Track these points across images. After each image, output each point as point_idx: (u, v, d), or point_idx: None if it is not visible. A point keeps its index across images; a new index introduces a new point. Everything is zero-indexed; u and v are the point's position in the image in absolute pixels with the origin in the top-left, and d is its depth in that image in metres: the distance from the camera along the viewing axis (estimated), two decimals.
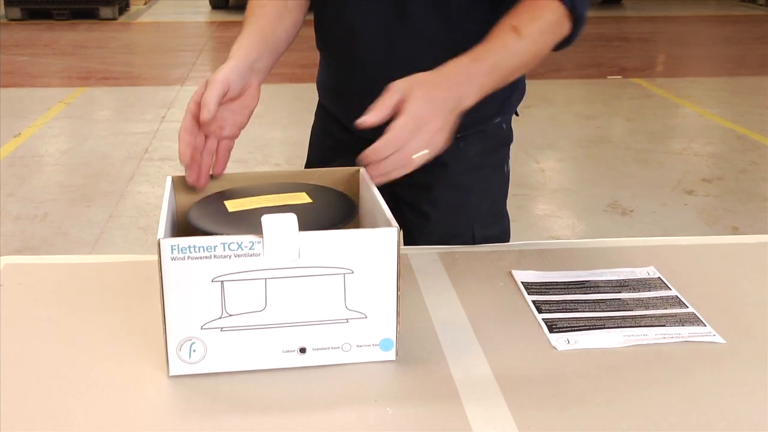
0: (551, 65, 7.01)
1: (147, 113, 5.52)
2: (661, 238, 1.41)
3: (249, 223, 0.98)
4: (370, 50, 1.31)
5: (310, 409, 0.90)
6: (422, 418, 0.88)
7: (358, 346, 0.97)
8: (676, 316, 1.10)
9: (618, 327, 1.07)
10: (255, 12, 1.27)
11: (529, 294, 1.16)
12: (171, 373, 0.94)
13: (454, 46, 1.27)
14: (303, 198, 1.10)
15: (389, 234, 0.93)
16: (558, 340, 1.04)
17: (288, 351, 0.96)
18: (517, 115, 1.48)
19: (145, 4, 10.49)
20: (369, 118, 1.02)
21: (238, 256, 0.90)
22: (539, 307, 1.12)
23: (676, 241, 1.39)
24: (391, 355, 0.98)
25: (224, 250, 0.90)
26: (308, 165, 1.54)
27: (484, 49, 1.09)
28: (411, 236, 1.44)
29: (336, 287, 0.93)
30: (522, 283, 1.19)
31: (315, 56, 1.42)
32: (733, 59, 7.59)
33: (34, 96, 6.04)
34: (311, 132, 1.55)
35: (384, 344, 0.98)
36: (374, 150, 1.02)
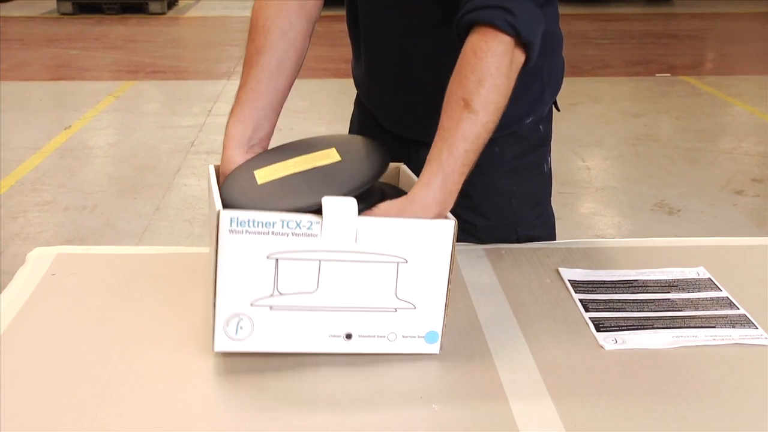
0: (598, 62, 6.93)
1: (194, 107, 5.57)
2: (711, 239, 1.39)
3: (280, 195, 0.98)
4: (397, 50, 1.30)
5: (355, 407, 0.90)
6: (468, 416, 0.88)
7: (403, 336, 0.97)
8: (726, 317, 1.08)
9: (667, 327, 1.05)
10: (254, 64, 1.21)
11: (576, 292, 1.15)
12: (216, 349, 0.94)
13: None
14: (332, 156, 1.07)
15: (446, 226, 0.93)
16: (605, 339, 1.03)
17: (334, 336, 0.95)
18: (558, 110, 1.46)
19: None
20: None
21: (296, 234, 0.90)
22: (586, 305, 1.11)
23: (726, 242, 1.36)
24: (435, 348, 0.98)
25: (282, 227, 0.90)
26: None
27: (450, 157, 1.01)
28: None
29: (389, 275, 0.93)
30: (569, 281, 1.18)
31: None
32: None
33: (85, 89, 6.13)
34: (350, 123, 1.54)
35: (429, 337, 0.97)
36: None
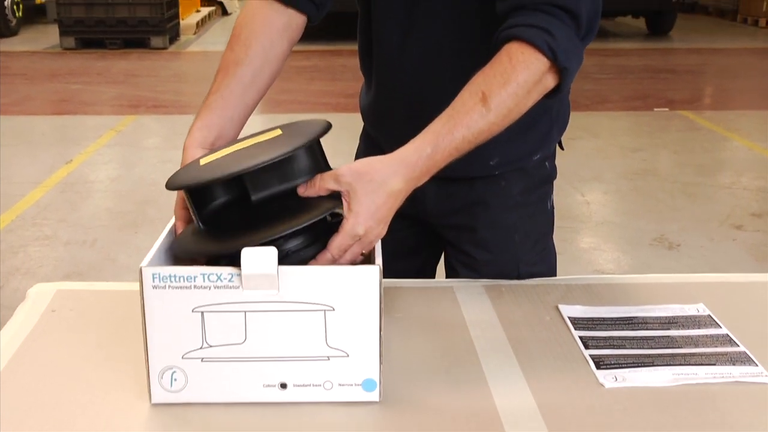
0: (596, 97, 6.97)
1: None
2: (710, 275, 1.39)
3: (220, 167, 0.99)
4: (414, 77, 1.31)
5: None
6: None
7: (340, 384, 0.96)
8: (726, 355, 1.08)
9: (667, 365, 1.05)
10: (229, 74, 1.25)
11: (575, 329, 1.15)
12: (153, 401, 0.95)
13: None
14: (275, 133, 1.08)
15: (371, 272, 0.92)
16: (605, 376, 1.03)
17: (269, 385, 0.95)
18: (562, 149, 1.47)
19: (195, 33, 10.68)
20: (304, 191, 1.02)
21: (218, 287, 0.91)
22: (586, 342, 1.11)
23: (726, 278, 1.37)
24: (374, 396, 0.97)
25: (204, 280, 0.90)
26: None
27: (446, 132, 1.04)
28: (456, 277, 1.42)
29: (316, 323, 0.93)
30: (569, 318, 1.19)
31: (359, 86, 1.42)
32: None
33: (86, 123, 6.16)
34: (355, 156, 1.55)
35: (366, 384, 0.96)
36: (335, 248, 0.98)
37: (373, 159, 1.03)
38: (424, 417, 0.95)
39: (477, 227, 1.40)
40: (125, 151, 5.47)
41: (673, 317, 1.19)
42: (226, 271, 0.90)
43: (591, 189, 4.64)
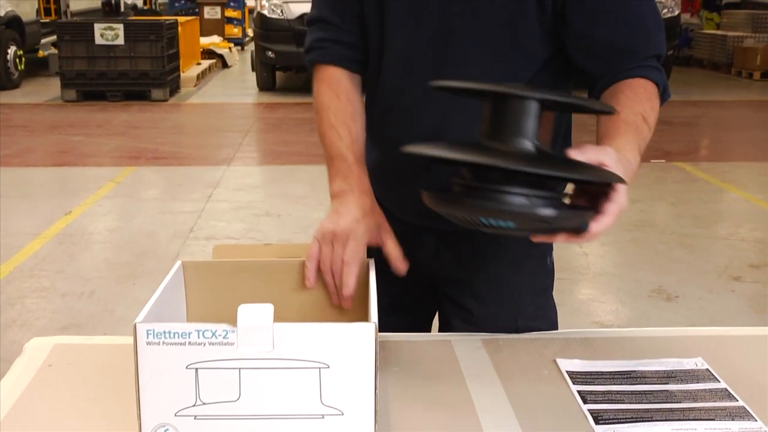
0: None
1: (194, 192, 5.62)
2: (709, 328, 1.39)
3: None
4: (432, 126, 1.33)
5: None
6: None
7: None
8: (725, 409, 1.08)
9: (666, 420, 1.05)
10: (351, 129, 1.32)
11: (574, 383, 1.15)
12: None
13: None
14: None
15: (366, 330, 0.92)
16: None
17: None
18: None
19: (195, 86, 10.79)
20: (575, 154, 0.99)
21: (213, 344, 0.90)
22: (584, 397, 1.11)
23: (725, 332, 1.36)
24: None
25: (198, 337, 0.90)
26: None
27: (640, 143, 1.15)
28: (453, 331, 1.42)
29: (311, 381, 0.92)
30: (567, 372, 1.18)
31: None
32: None
33: (86, 175, 6.19)
34: None
35: None
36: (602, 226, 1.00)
37: (619, 156, 1.06)
38: None
39: (475, 282, 1.40)
40: (124, 202, 5.49)
41: (672, 371, 1.19)
42: (221, 327, 0.90)
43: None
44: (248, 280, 1.17)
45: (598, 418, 1.06)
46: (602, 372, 1.18)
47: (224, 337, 0.90)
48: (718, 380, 1.16)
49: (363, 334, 0.92)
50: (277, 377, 0.92)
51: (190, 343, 0.90)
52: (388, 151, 1.41)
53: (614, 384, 1.15)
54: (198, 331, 0.90)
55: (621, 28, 1.24)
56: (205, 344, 0.90)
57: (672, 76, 10.67)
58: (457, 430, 1.02)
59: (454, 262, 1.41)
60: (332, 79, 1.36)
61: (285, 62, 9.99)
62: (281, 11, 9.77)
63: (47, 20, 12.16)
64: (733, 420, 1.05)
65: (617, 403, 1.09)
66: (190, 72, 11.07)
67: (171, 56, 9.84)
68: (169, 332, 0.90)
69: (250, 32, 14.97)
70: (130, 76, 9.43)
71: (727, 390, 1.13)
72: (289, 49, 9.29)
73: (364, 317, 1.00)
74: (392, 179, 1.42)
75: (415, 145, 1.01)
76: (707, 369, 1.19)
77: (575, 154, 0.99)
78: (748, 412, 1.07)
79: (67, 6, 12.93)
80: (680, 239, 4.73)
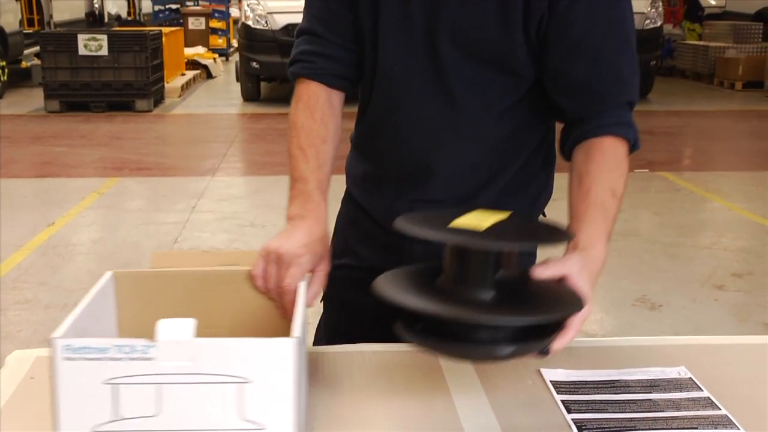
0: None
1: (178, 203, 5.60)
2: (692, 337, 1.39)
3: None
4: (421, 142, 1.34)
5: None
6: None
7: None
8: (708, 418, 1.08)
9: (649, 429, 1.05)
10: (320, 151, 1.32)
11: (558, 393, 1.15)
12: None
13: (499, 146, 1.31)
14: (506, 214, 1.10)
15: (287, 345, 0.91)
16: None
17: None
18: (544, 215, 1.49)
19: (180, 96, 10.77)
20: (542, 272, 1.07)
21: (132, 359, 0.89)
22: (568, 407, 1.11)
23: (707, 340, 1.37)
24: None
25: (117, 352, 0.89)
26: (331, 253, 1.55)
27: (608, 229, 1.20)
28: None
29: (232, 396, 0.91)
30: (551, 381, 1.18)
31: (343, 148, 1.44)
32: (762, 153, 7.60)
33: (70, 186, 6.17)
34: (336, 219, 1.56)
35: None
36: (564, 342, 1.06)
37: (582, 257, 1.12)
38: None
39: None
40: (108, 213, 5.47)
41: (655, 380, 1.19)
42: (140, 342, 0.89)
43: None
44: (182, 290, 1.16)
45: (582, 427, 1.06)
46: (586, 381, 1.19)
47: (143, 353, 0.89)
48: (701, 389, 1.17)
49: (284, 349, 0.91)
50: (197, 392, 0.91)
51: (108, 358, 0.89)
52: (376, 165, 1.42)
53: (598, 393, 1.15)
54: (116, 347, 0.89)
55: (597, 70, 1.25)
56: (124, 359, 0.89)
57: (655, 86, 10.76)
58: None
59: (419, 257, 1.41)
60: (311, 97, 1.35)
61: (269, 73, 10.00)
62: (266, 22, 9.77)
63: (30, 31, 12.11)
64: (716, 429, 1.06)
65: (601, 412, 1.10)
66: (174, 82, 11.05)
67: (155, 67, 9.82)
68: (87, 348, 0.89)
69: (234, 43, 14.97)
70: (113, 86, 9.40)
71: (710, 399, 1.14)
72: (274, 60, 9.29)
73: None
74: (380, 192, 1.42)
75: (403, 222, 1.07)
76: (690, 378, 1.20)
77: (539, 271, 1.06)
78: (731, 420, 1.08)
79: (51, 17, 12.89)
80: (664, 248, 4.75)
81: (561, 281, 1.08)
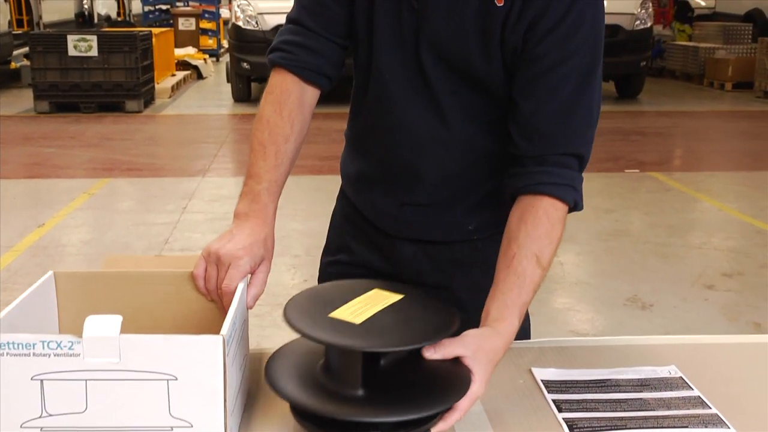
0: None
1: (169, 204, 5.58)
2: (682, 337, 1.40)
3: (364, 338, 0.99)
4: (410, 148, 1.34)
5: None
6: None
7: None
8: (699, 417, 1.08)
9: (640, 428, 1.05)
10: (280, 150, 1.29)
11: (549, 392, 1.15)
12: None
13: (486, 148, 1.31)
14: (398, 296, 1.11)
15: (214, 342, 0.91)
16: None
17: None
18: None
19: (170, 97, 10.74)
20: (432, 354, 1.06)
21: (58, 355, 0.89)
22: (559, 406, 1.11)
23: (698, 340, 1.38)
24: None
25: (43, 348, 0.89)
26: (326, 248, 1.56)
27: (524, 302, 1.18)
28: None
29: (159, 393, 0.91)
30: (542, 381, 1.19)
31: (335, 148, 1.44)
32: (751, 154, 7.62)
33: (59, 187, 6.14)
34: (332, 215, 1.57)
35: None
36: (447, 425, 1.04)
37: (483, 332, 1.12)
38: None
39: (453, 287, 1.41)
40: (98, 214, 5.45)
41: (646, 379, 1.19)
42: (66, 338, 0.89)
43: (565, 250, 4.67)
44: (125, 292, 1.15)
45: (573, 426, 1.06)
46: (577, 381, 1.19)
47: (69, 348, 0.89)
48: (691, 388, 1.17)
49: (211, 346, 0.91)
50: (125, 389, 0.91)
51: (35, 354, 0.89)
52: (368, 165, 1.42)
53: (589, 393, 1.15)
54: (43, 342, 0.89)
55: (545, 112, 1.22)
56: (50, 355, 0.89)
57: (645, 86, 10.78)
58: None
59: (433, 268, 1.42)
60: (283, 92, 1.32)
61: (260, 73, 9.96)
62: (256, 22, 9.76)
63: (19, 32, 12.06)
64: (706, 428, 1.06)
65: (592, 411, 1.10)
66: (164, 83, 11.02)
67: (145, 68, 9.79)
68: (13, 343, 0.89)
69: (225, 43, 14.94)
70: (103, 87, 9.37)
71: (700, 398, 1.14)
72: (264, 60, 9.15)
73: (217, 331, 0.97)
74: (370, 191, 1.42)
75: (291, 307, 1.07)
76: (681, 377, 1.20)
77: (429, 353, 1.05)
78: (722, 419, 1.08)
79: (40, 17, 12.84)
80: (654, 248, 4.76)
81: (455, 361, 1.07)
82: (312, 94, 1.34)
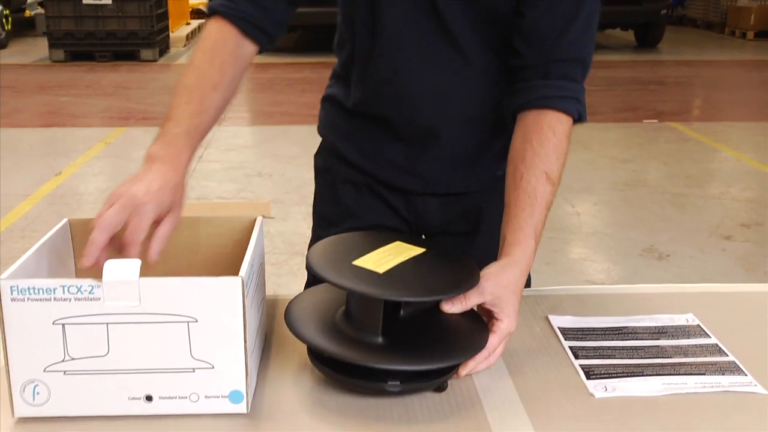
0: (587, 108, 6.99)
1: None
2: (700, 285, 1.39)
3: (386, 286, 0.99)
4: (432, 98, 1.32)
5: None
6: None
7: (206, 396, 0.95)
8: (716, 364, 1.08)
9: (656, 375, 1.05)
10: (206, 96, 1.21)
11: (565, 339, 1.15)
12: (16, 415, 0.94)
13: (500, 78, 1.29)
14: (419, 249, 1.11)
15: (233, 283, 0.91)
16: (595, 386, 1.03)
17: (134, 398, 0.94)
18: None
19: (185, 46, 10.68)
20: (450, 307, 1.05)
21: (78, 299, 0.90)
22: (576, 353, 1.11)
23: (715, 288, 1.37)
24: (241, 408, 0.96)
25: (64, 292, 0.90)
26: (320, 222, 1.51)
27: (538, 221, 1.15)
28: None
29: (180, 335, 0.92)
30: (558, 328, 1.18)
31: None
32: None
33: (76, 136, 6.15)
34: (318, 189, 1.52)
35: (233, 396, 0.95)
36: (471, 367, 1.04)
37: (499, 269, 1.10)
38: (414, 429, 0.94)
39: (477, 231, 1.41)
40: (114, 163, 5.46)
41: (663, 327, 1.19)
42: (86, 282, 0.90)
43: (581, 200, 4.65)
44: None
45: (590, 373, 1.06)
46: (594, 328, 1.19)
47: (90, 293, 0.90)
48: (708, 335, 1.17)
49: (230, 287, 0.91)
50: (145, 332, 0.91)
51: (55, 299, 0.90)
52: (382, 126, 1.38)
53: (606, 340, 1.15)
54: (63, 287, 0.90)
55: (550, 16, 1.22)
56: (71, 299, 0.90)
57: (665, 36, 10.63)
58: (450, 387, 1.03)
59: (456, 216, 1.42)
60: (218, 41, 1.25)
61: None
62: None
63: None
64: (723, 375, 1.06)
65: (608, 358, 1.10)
66: (179, 32, 10.96)
67: (160, 16, 9.73)
68: (34, 288, 0.90)
69: None
70: (118, 36, 9.34)
71: (717, 345, 1.14)
72: None
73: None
74: (387, 151, 1.39)
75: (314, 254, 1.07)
76: (698, 325, 1.20)
77: (448, 306, 1.05)
78: (738, 366, 1.08)
79: None
80: (672, 199, 4.73)
81: (474, 314, 1.08)
82: (249, 49, 1.27)
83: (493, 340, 1.05)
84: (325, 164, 1.50)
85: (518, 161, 1.18)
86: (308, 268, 1.04)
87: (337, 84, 1.44)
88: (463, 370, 1.03)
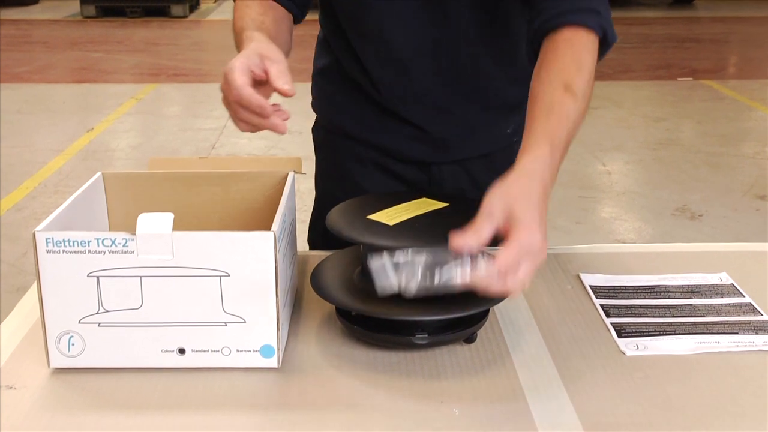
0: (619, 66, 6.90)
1: (215, 110, 5.59)
2: (734, 244, 1.38)
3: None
4: (405, 40, 1.29)
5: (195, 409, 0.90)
6: (486, 415, 0.88)
7: (237, 350, 0.96)
8: (749, 323, 1.08)
9: (689, 333, 1.05)
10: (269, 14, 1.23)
11: (597, 298, 1.15)
12: (51, 365, 0.96)
13: (492, 43, 1.27)
14: (442, 204, 1.10)
15: (265, 238, 0.91)
16: (627, 345, 1.03)
17: (167, 351, 0.95)
18: None
19: (215, 2, 10.65)
20: (466, 241, 0.87)
21: (113, 252, 0.91)
22: (607, 311, 1.11)
23: (749, 248, 1.35)
24: (273, 362, 0.96)
25: (98, 245, 0.90)
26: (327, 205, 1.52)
27: (554, 129, 1.00)
28: None
29: (212, 289, 0.93)
30: (590, 286, 1.18)
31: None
32: None
33: (107, 92, 6.18)
34: (320, 172, 1.52)
35: (265, 351, 0.96)
36: (485, 282, 0.87)
37: (503, 189, 0.92)
38: (443, 382, 0.95)
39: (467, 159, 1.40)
40: (146, 119, 5.49)
41: (696, 286, 1.18)
42: (120, 236, 0.90)
43: (613, 159, 4.61)
44: (171, 192, 1.16)
45: (621, 331, 1.06)
46: (626, 287, 1.18)
47: (124, 246, 0.90)
48: (742, 295, 1.16)
49: (262, 242, 0.91)
50: (178, 285, 0.92)
51: (90, 251, 0.91)
52: (386, 101, 1.37)
53: (637, 298, 1.15)
54: (97, 240, 0.90)
55: None
56: (105, 252, 0.91)
57: None
58: (480, 340, 1.03)
59: (471, 182, 1.41)
60: (264, 2, 1.26)
61: None
62: None
63: None
64: (757, 334, 1.05)
65: (640, 317, 1.09)
66: None
67: None
68: (69, 240, 0.90)
69: None
70: None
71: (751, 304, 1.13)
72: None
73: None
74: (399, 129, 1.38)
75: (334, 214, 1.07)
76: (732, 284, 1.19)
77: (459, 242, 0.87)
78: None
79: None
80: (705, 158, 4.67)
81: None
82: (288, 19, 1.28)
83: (505, 253, 0.85)
84: (325, 140, 1.50)
85: (535, 85, 1.07)
86: (327, 223, 1.04)
87: (325, 54, 1.42)
88: (459, 244, 0.87)
